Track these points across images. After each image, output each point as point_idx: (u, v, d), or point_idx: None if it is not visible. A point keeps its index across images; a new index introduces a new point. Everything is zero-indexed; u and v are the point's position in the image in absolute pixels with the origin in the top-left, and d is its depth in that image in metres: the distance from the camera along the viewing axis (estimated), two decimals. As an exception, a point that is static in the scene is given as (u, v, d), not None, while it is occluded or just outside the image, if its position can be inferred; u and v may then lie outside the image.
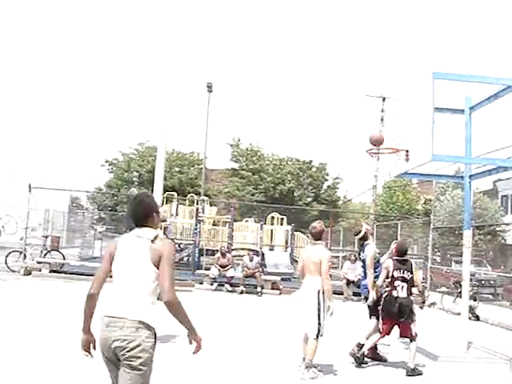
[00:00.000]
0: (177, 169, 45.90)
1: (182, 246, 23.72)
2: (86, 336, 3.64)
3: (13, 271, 17.89)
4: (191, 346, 3.64)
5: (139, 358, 3.41)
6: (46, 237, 23.21)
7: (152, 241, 3.61)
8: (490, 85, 8.99)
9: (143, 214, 3.77)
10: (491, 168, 9.46)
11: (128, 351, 3.40)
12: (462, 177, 10.75)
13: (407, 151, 9.04)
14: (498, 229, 29.48)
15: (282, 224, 27.42)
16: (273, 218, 27.99)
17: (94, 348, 3.64)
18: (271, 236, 26.61)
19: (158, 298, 3.52)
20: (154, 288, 3.56)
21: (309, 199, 44.61)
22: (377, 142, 10.18)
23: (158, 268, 3.54)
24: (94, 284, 3.70)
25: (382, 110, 34.90)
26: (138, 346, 3.40)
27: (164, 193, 20.84)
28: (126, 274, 3.60)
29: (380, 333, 8.20)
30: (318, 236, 7.44)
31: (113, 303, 3.55)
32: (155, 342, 3.52)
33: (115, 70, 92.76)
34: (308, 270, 7.30)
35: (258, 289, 17.29)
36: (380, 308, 8.17)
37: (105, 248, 29.94)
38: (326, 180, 47.70)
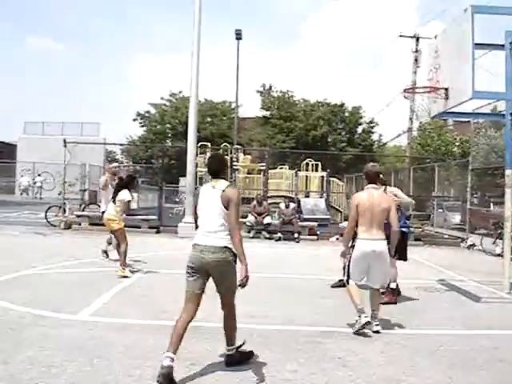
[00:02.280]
0: (209, 119, 45.77)
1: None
2: None
3: (53, 226, 18.20)
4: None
5: (229, 269, 4.95)
6: (84, 191, 23.54)
7: (223, 190, 4.89)
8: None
9: (218, 168, 5.14)
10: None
11: (222, 266, 4.89)
12: (503, 115, 10.43)
13: (446, 90, 8.77)
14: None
15: (316, 170, 27.29)
16: (307, 164, 27.85)
17: None
18: (306, 182, 26.52)
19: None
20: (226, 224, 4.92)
21: (343, 144, 44.20)
22: None
23: (227, 209, 4.86)
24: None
25: (416, 51, 33.87)
26: (228, 262, 4.90)
27: (197, 143, 20.83)
28: (207, 215, 4.96)
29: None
30: (374, 179, 6.79)
31: (202, 235, 4.94)
32: (235, 258, 4.92)
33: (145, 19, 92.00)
34: (375, 219, 6.45)
35: (296, 235, 17.34)
36: None
37: (142, 199, 30.41)
38: (360, 124, 47.11)
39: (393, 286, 8.30)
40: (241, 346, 5.28)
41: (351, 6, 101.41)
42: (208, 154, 26.34)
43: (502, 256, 11.85)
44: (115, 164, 13.37)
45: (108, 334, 5.94)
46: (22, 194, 38.86)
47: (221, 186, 4.92)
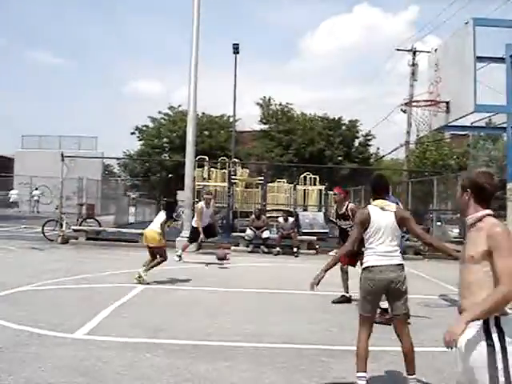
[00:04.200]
0: (207, 132, 45.69)
1: (215, 209, 23.72)
2: None
3: (50, 240, 18.04)
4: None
5: (405, 284, 4.96)
6: (81, 205, 23.40)
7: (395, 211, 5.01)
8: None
9: (386, 188, 5.24)
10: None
11: (400, 283, 4.90)
12: (504, 128, 10.38)
13: (447, 103, 8.70)
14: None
15: (314, 184, 27.23)
16: (305, 178, 27.78)
17: None
18: (304, 196, 26.43)
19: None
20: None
21: (340, 158, 44.19)
22: None
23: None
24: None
25: (413, 64, 33.95)
26: (404, 278, 4.95)
27: (195, 157, 20.75)
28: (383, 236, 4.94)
29: None
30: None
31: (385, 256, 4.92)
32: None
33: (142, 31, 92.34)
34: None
35: (295, 249, 17.21)
36: None
37: (139, 213, 30.28)
38: (357, 137, 47.12)
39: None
40: None
41: (349, 21, 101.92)
42: (206, 168, 26.31)
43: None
44: (210, 196, 13.92)
45: (105, 353, 5.79)
46: (12, 207, 38.84)
47: (391, 208, 5.06)
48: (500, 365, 2.96)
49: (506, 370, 2.94)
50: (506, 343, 3.00)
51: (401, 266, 4.98)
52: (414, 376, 4.93)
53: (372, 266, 4.92)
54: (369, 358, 4.88)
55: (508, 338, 3.02)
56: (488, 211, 3.33)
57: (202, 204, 13.85)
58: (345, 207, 9.21)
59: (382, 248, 4.94)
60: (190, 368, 5.28)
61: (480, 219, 3.30)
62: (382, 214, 4.99)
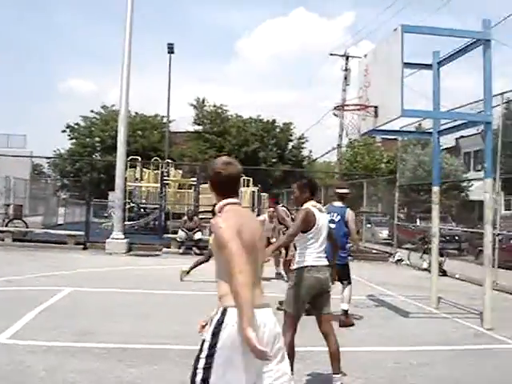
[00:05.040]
0: (140, 132, 45.10)
1: (147, 210, 23.44)
2: None
3: (-26, 241, 17.41)
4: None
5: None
6: (8, 205, 22.65)
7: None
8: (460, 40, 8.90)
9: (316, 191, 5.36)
10: (459, 123, 9.40)
11: (329, 283, 5.11)
12: (430, 133, 10.69)
13: (376, 107, 8.88)
14: (462, 185, 29.87)
15: (248, 186, 27.26)
16: (239, 179, 27.78)
17: None
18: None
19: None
20: None
21: (273, 160, 44.51)
22: None
23: None
24: None
25: (346, 69, 34.64)
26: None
27: (127, 157, 20.46)
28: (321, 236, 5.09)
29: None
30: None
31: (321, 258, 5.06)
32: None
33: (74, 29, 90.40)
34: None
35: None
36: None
37: (69, 214, 29.55)
38: (291, 140, 47.60)
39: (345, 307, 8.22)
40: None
41: (286, 24, 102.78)
42: (138, 168, 25.94)
43: (428, 270, 12.09)
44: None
45: (28, 358, 5.60)
46: None
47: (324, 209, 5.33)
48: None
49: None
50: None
51: (329, 266, 5.13)
52: (339, 375, 5.02)
53: (312, 266, 4.95)
54: (295, 357, 4.91)
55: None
56: (228, 200, 3.13)
57: None
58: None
59: (320, 249, 5.04)
60: (116, 372, 5.18)
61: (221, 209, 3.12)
62: (321, 215, 5.10)
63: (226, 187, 3.16)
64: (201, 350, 2.96)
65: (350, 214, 7.92)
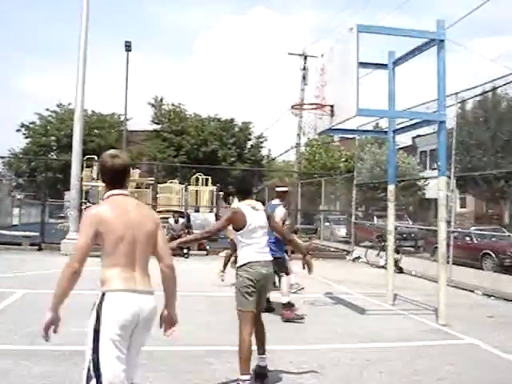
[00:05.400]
0: (96, 131, 44.52)
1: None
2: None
3: None
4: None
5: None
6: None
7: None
8: (415, 40, 9.01)
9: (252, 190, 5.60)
10: (415, 122, 9.52)
11: (271, 278, 5.45)
12: (386, 132, 10.82)
13: (332, 107, 8.93)
14: (417, 183, 30.36)
15: (206, 185, 27.20)
16: (197, 178, 27.71)
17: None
18: (196, 197, 26.36)
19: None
20: None
21: (232, 159, 44.49)
22: None
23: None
24: None
25: (304, 68, 34.74)
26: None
27: (83, 157, 20.14)
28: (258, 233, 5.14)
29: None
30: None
31: (262, 252, 5.11)
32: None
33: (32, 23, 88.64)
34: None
35: (185, 250, 17.09)
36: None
37: (24, 215, 28.91)
38: (250, 139, 47.66)
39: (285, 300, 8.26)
40: None
41: (244, 23, 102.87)
42: (95, 168, 25.58)
43: (385, 268, 12.24)
44: None
45: (-23, 363, 5.45)
46: None
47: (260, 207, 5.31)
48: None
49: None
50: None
51: (272, 262, 5.23)
52: (264, 355, 5.33)
53: (253, 262, 5.01)
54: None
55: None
56: (112, 192, 3.33)
57: None
58: None
59: (259, 245, 5.09)
60: (70, 374, 5.07)
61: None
62: (256, 213, 5.16)
63: (111, 179, 3.34)
64: (88, 335, 3.26)
65: (277, 211, 7.87)
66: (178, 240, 5.80)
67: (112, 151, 3.38)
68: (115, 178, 3.33)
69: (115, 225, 3.16)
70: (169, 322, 3.72)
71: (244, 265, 5.04)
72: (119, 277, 3.20)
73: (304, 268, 6.59)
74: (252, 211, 5.14)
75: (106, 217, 3.16)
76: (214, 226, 5.64)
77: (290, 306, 8.26)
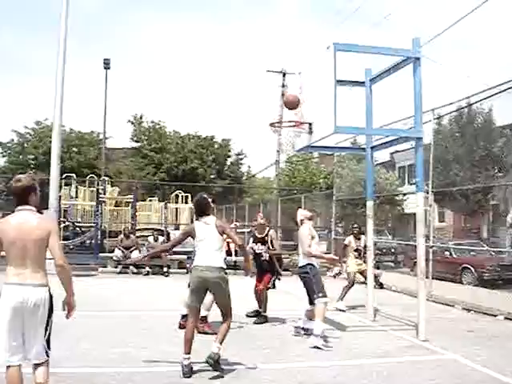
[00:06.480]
0: (75, 149, 44.17)
1: (83, 229, 22.91)
2: None
3: None
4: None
5: (225, 283, 6.21)
6: None
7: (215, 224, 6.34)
8: (392, 58, 9.09)
9: (206, 208, 6.47)
10: (392, 139, 9.60)
11: (220, 282, 6.14)
12: (364, 148, 10.89)
13: (310, 124, 8.99)
14: (396, 199, 30.52)
15: (186, 202, 27.10)
16: (177, 196, 27.62)
17: None
18: (176, 215, 26.26)
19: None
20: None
21: (212, 176, 44.41)
22: (292, 104, 9.40)
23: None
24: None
25: (283, 85, 35.01)
26: (222, 278, 6.17)
27: (62, 175, 19.99)
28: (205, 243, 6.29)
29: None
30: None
31: (204, 258, 6.20)
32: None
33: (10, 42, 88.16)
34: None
35: (165, 269, 17.00)
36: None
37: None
38: (229, 156, 47.64)
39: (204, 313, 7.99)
40: None
41: (225, 38, 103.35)
42: (73, 186, 25.41)
43: (365, 284, 12.24)
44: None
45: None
46: None
47: (211, 221, 6.38)
48: None
49: None
50: None
51: (220, 268, 6.23)
52: (219, 345, 6.10)
53: (196, 266, 6.23)
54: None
55: None
56: (18, 207, 4.33)
57: None
58: (266, 232, 9.83)
59: (205, 253, 6.24)
60: None
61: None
62: (205, 227, 6.34)
63: (15, 198, 4.37)
64: None
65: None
66: (141, 255, 7.23)
67: (18, 176, 4.37)
68: (18, 197, 4.33)
69: (9, 233, 4.20)
70: (68, 306, 4.64)
71: (193, 267, 6.31)
72: (12, 273, 4.23)
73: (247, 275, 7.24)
74: (203, 225, 6.33)
75: (3, 227, 4.26)
76: (173, 239, 7.18)
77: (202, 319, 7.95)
